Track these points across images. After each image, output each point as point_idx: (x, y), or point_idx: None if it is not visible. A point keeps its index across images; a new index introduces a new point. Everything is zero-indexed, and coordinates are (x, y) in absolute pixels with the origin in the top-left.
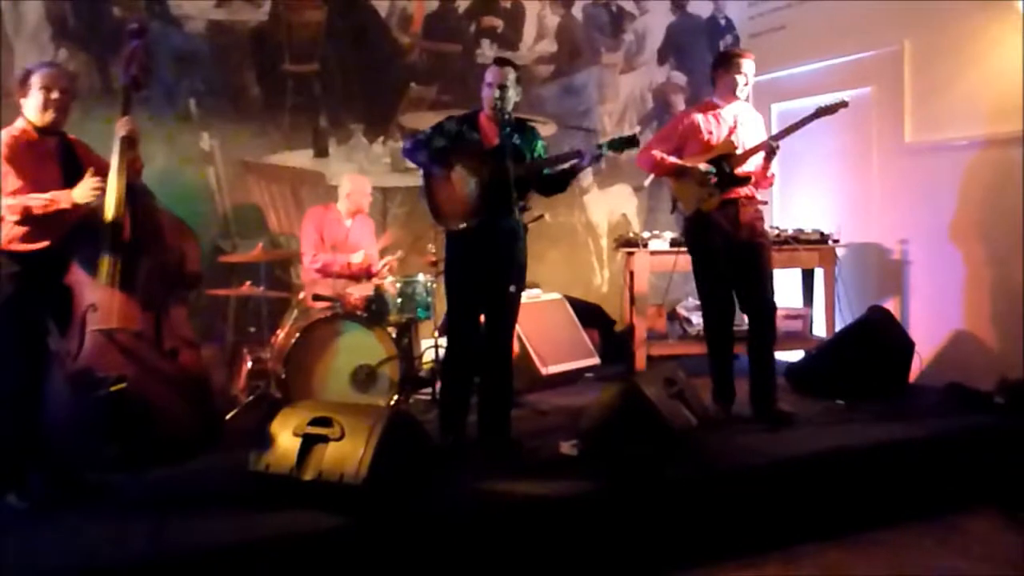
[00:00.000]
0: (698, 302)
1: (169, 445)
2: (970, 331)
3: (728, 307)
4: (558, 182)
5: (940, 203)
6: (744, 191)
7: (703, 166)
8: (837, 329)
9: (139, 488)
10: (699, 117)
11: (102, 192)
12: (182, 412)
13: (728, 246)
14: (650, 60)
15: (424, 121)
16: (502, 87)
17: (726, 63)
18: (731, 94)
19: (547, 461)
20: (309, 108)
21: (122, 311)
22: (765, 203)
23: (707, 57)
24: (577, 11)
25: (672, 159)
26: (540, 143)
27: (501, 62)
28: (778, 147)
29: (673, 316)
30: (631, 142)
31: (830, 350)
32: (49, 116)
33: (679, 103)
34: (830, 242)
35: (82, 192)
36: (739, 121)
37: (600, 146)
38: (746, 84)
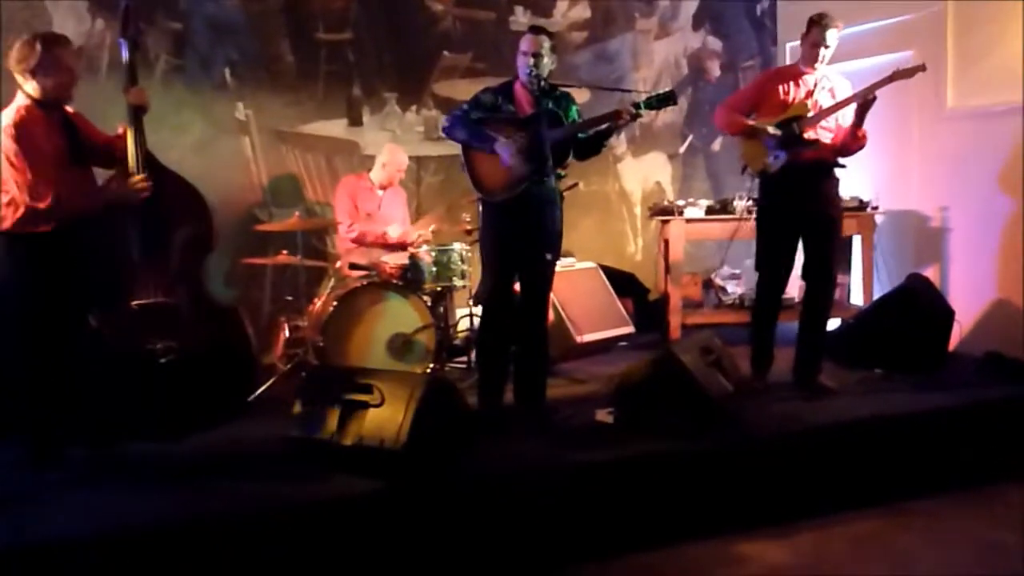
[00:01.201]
0: (733, 271)
1: (212, 409)
2: (1010, 299)
3: (783, 274)
4: (593, 144)
5: (981, 170)
6: (815, 154)
7: (770, 128)
8: (875, 297)
9: (182, 455)
10: (778, 79)
11: (145, 192)
12: (226, 377)
13: (794, 211)
14: (685, 26)
15: (457, 89)
16: (537, 55)
17: (808, 30)
18: (812, 60)
19: (583, 428)
20: (343, 77)
21: (159, 283)
22: (843, 167)
23: (743, 22)
24: None
25: (744, 119)
26: (575, 108)
27: (536, 30)
28: (873, 100)
29: (708, 285)
30: (668, 99)
31: (868, 318)
32: (67, 94)
33: (714, 69)
34: (868, 209)
35: (123, 190)
36: (820, 86)
37: (637, 105)
38: (821, 52)
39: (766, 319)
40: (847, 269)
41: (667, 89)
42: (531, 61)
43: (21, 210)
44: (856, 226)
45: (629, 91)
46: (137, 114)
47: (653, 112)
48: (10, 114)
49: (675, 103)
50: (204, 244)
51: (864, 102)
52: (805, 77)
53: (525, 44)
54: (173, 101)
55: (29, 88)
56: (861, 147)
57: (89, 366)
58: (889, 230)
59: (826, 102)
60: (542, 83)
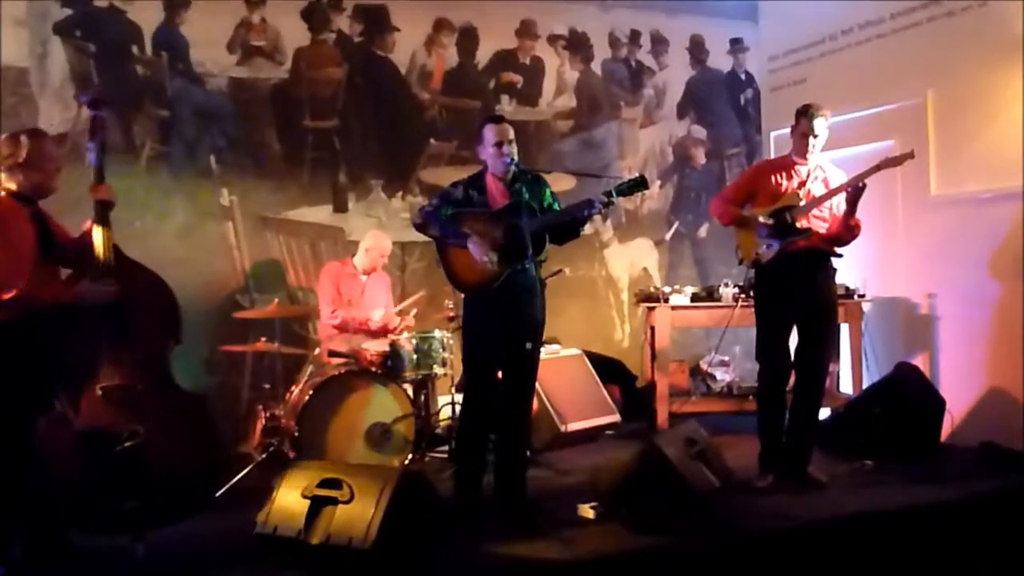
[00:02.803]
0: (722, 358)
1: (177, 498)
2: (1003, 388)
3: (783, 364)
4: (570, 229)
5: (968, 256)
6: (808, 243)
7: (762, 217)
8: (864, 386)
9: (147, 549)
10: (771, 168)
11: (111, 296)
12: (188, 464)
13: (786, 300)
14: (670, 114)
15: (443, 176)
16: (506, 143)
17: (796, 120)
18: (802, 149)
19: (565, 523)
20: (329, 163)
21: (125, 368)
22: (839, 256)
23: (727, 111)
24: (596, 66)
25: (737, 209)
26: (548, 191)
27: (499, 119)
28: (862, 189)
29: (696, 372)
30: (639, 184)
31: (857, 408)
32: (48, 191)
33: (699, 157)
34: (856, 297)
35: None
36: (813, 176)
37: (609, 193)
38: (811, 142)
39: (771, 411)
40: (836, 357)
41: (637, 175)
42: (507, 150)
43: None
44: (844, 314)
45: (601, 176)
46: (104, 210)
47: (630, 198)
48: None
49: (646, 188)
50: (170, 334)
51: (854, 191)
52: (798, 168)
53: (492, 134)
54: (158, 187)
55: (12, 184)
56: (854, 237)
57: (52, 451)
58: (877, 318)
59: (819, 192)
60: (512, 171)
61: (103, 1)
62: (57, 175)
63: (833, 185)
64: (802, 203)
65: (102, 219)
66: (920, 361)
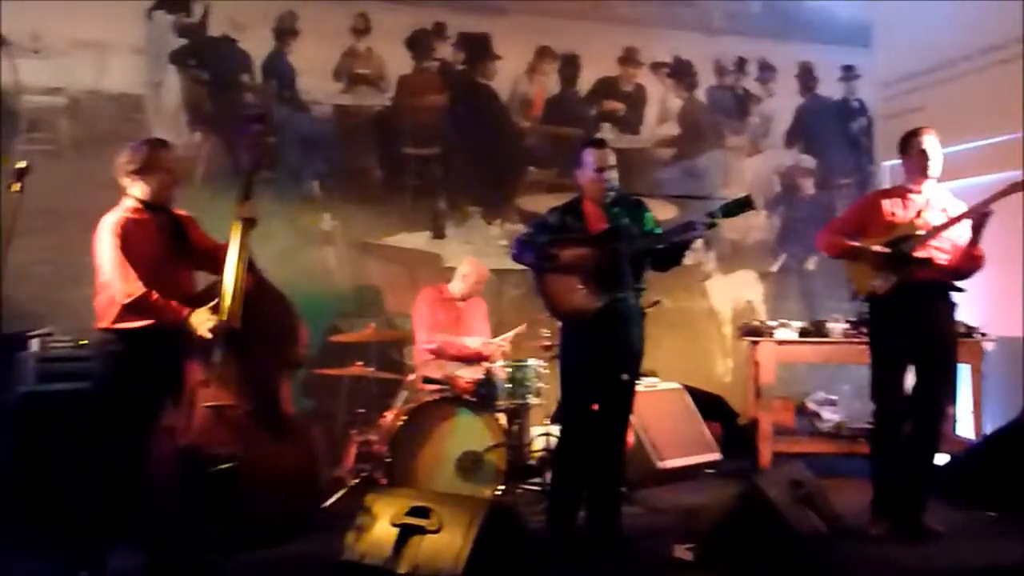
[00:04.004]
0: (830, 396)
1: (269, 526)
2: None
3: (899, 405)
4: (672, 256)
5: None
6: (927, 275)
7: (877, 247)
8: (985, 431)
9: (235, 571)
10: (884, 198)
11: (215, 331)
12: (287, 493)
13: (906, 336)
14: (777, 143)
15: (542, 204)
16: (607, 168)
17: (905, 146)
18: (920, 176)
19: (659, 564)
20: (429, 190)
21: (232, 388)
22: (961, 290)
23: (838, 140)
24: (701, 94)
25: (848, 241)
26: (649, 215)
27: (599, 143)
28: (988, 215)
29: (802, 410)
30: (745, 204)
31: (979, 454)
32: (167, 196)
33: (808, 187)
34: (976, 335)
35: (198, 321)
36: (930, 204)
37: (712, 213)
38: (928, 161)
39: (886, 456)
40: (954, 399)
41: (743, 195)
42: (608, 175)
43: (117, 307)
44: (964, 353)
45: (704, 198)
46: (246, 227)
47: (735, 227)
48: (114, 215)
49: (753, 207)
50: (287, 359)
51: (979, 217)
52: (913, 196)
53: (593, 158)
54: (262, 211)
55: (135, 191)
56: (978, 268)
57: (156, 464)
58: (999, 358)
59: (937, 221)
60: (611, 196)
61: (217, 31)
62: (173, 183)
63: (952, 214)
64: (920, 232)
65: (242, 235)
66: None
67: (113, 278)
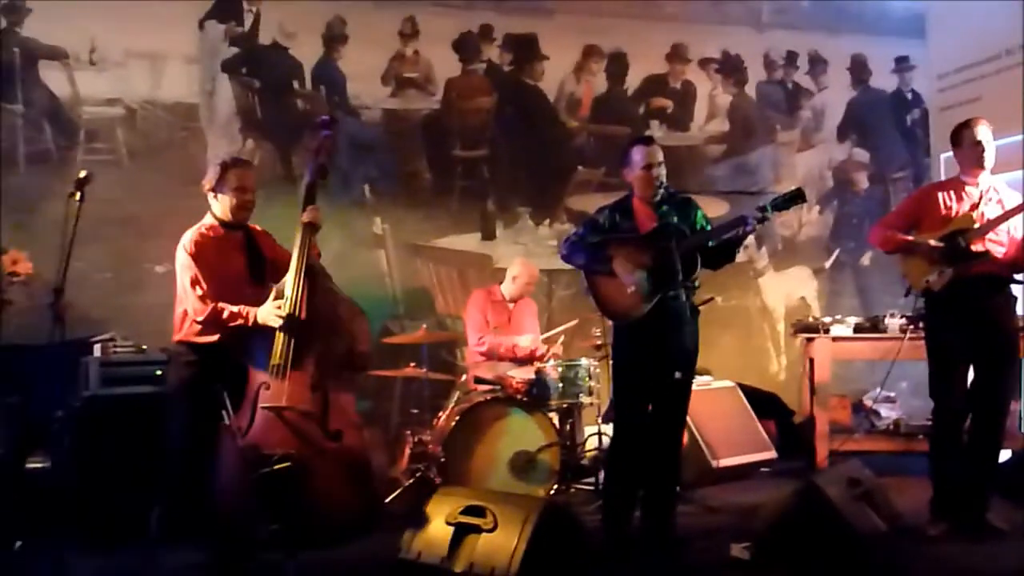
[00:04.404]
0: (888, 393)
1: (327, 527)
2: None
3: (960, 402)
4: (724, 252)
5: None
6: (985, 268)
7: (932, 241)
8: None
9: (291, 570)
10: (939, 191)
11: (279, 319)
12: (343, 494)
13: (965, 331)
14: (829, 137)
15: (591, 203)
16: (655, 166)
17: (957, 138)
18: (974, 167)
19: (716, 564)
20: (477, 192)
21: (292, 390)
22: (1020, 282)
23: (892, 133)
24: (751, 89)
25: (902, 235)
26: (700, 213)
27: (648, 140)
28: None
29: (859, 408)
30: (796, 198)
31: None
32: (241, 214)
33: (862, 181)
34: None
35: (265, 314)
36: (987, 197)
37: (763, 208)
38: (984, 151)
39: (946, 454)
40: (1017, 395)
41: (794, 188)
42: (656, 172)
43: (191, 322)
44: None
45: (755, 193)
46: (307, 231)
47: (787, 224)
48: (192, 231)
49: (804, 201)
50: (349, 362)
51: None
52: (968, 189)
53: (641, 156)
54: None
55: (214, 207)
56: None
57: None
58: None
59: (993, 213)
60: (661, 194)
61: (267, 39)
62: (248, 201)
63: (1009, 206)
64: (976, 225)
65: (304, 239)
66: None
67: (186, 294)
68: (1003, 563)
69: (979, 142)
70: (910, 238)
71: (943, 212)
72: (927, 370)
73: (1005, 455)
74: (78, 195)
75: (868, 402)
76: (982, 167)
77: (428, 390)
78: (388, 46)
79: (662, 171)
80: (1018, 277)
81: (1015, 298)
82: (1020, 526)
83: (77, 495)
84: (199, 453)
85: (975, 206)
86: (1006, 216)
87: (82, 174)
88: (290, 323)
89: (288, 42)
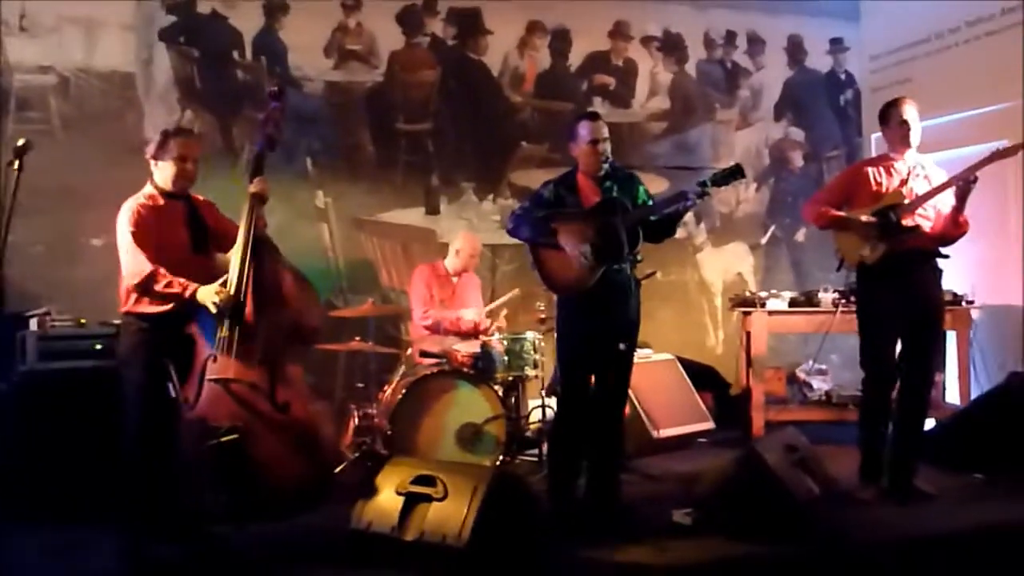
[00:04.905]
0: (819, 366)
1: (277, 498)
2: None
3: (889, 372)
4: (666, 226)
5: None
6: (915, 243)
7: (865, 217)
8: (973, 397)
9: (240, 541)
10: (869, 168)
11: (224, 302)
12: (291, 465)
13: (893, 303)
14: (766, 116)
15: (534, 178)
16: (601, 141)
17: (885, 117)
18: (901, 145)
19: (659, 529)
20: (422, 166)
21: (239, 362)
22: (946, 256)
23: (826, 112)
24: (691, 68)
25: (835, 211)
26: (642, 188)
27: (593, 116)
28: (974, 182)
29: (793, 380)
30: (734, 173)
31: (966, 419)
32: (181, 184)
33: (797, 159)
34: (964, 303)
35: (203, 295)
36: (914, 173)
37: (703, 183)
38: (908, 129)
39: (875, 422)
40: (942, 366)
41: (733, 164)
42: (602, 147)
43: (134, 292)
44: (951, 321)
45: (695, 168)
46: (254, 201)
47: (725, 201)
48: (132, 201)
49: (743, 176)
50: (297, 335)
51: (964, 184)
52: (896, 165)
53: (587, 131)
54: None
55: (155, 177)
56: (963, 234)
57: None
58: (986, 326)
59: (922, 189)
60: (605, 169)
61: (206, 7)
62: (189, 171)
63: (936, 182)
64: (906, 201)
65: (251, 211)
66: None
67: (124, 261)
68: (931, 525)
69: (905, 121)
70: (843, 214)
71: (873, 188)
72: (858, 343)
73: (931, 424)
74: (16, 164)
75: (801, 374)
76: (908, 145)
77: (373, 364)
78: (331, 17)
79: (607, 147)
80: (944, 251)
81: (941, 271)
82: (946, 491)
83: (15, 472)
84: (155, 421)
85: (904, 182)
86: (935, 191)
87: (20, 142)
88: (229, 308)
89: (228, 11)
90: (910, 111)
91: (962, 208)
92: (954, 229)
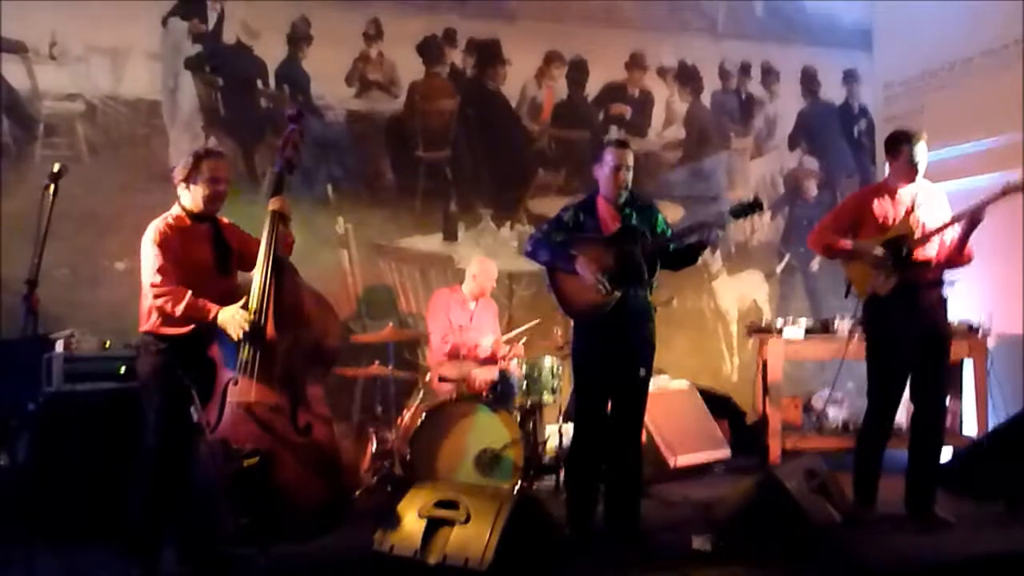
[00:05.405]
0: (836, 394)
1: (298, 520)
2: None
3: (895, 400)
4: (686, 256)
5: None
6: (925, 274)
7: (878, 249)
8: (990, 426)
9: (264, 564)
10: (873, 198)
11: (245, 329)
12: (313, 487)
13: (904, 333)
14: (781, 145)
15: (551, 206)
16: (627, 168)
17: (895, 150)
18: (905, 177)
19: (679, 555)
20: (440, 193)
21: (260, 385)
22: (951, 283)
23: (840, 142)
24: (706, 98)
25: (844, 241)
26: (660, 217)
27: (622, 143)
28: (981, 219)
29: (808, 408)
30: (754, 206)
31: (985, 448)
32: (214, 205)
33: (811, 188)
34: (980, 333)
35: (225, 319)
36: (917, 202)
37: (723, 214)
38: (919, 168)
39: (874, 448)
40: (958, 396)
41: (753, 196)
42: (624, 175)
43: (157, 313)
44: (967, 350)
45: (712, 199)
46: (274, 219)
47: (740, 228)
48: (158, 222)
49: (762, 210)
50: (318, 357)
51: (973, 220)
52: (900, 193)
53: (612, 156)
54: None
55: (183, 199)
56: (967, 263)
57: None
58: (1004, 355)
59: (927, 217)
60: (626, 197)
61: (231, 38)
62: (219, 193)
63: (939, 209)
64: (917, 233)
65: (272, 228)
66: None
67: (148, 280)
68: (950, 552)
69: (917, 161)
70: (852, 245)
71: (879, 218)
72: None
73: (949, 453)
74: (52, 188)
75: (817, 403)
76: (914, 179)
77: (392, 389)
78: (352, 47)
79: (629, 176)
80: (948, 278)
81: (946, 299)
82: (964, 519)
83: (39, 493)
84: (174, 442)
85: (909, 211)
86: (945, 226)
87: (56, 167)
88: (252, 334)
89: (252, 41)
90: (921, 150)
91: (967, 241)
92: (959, 259)
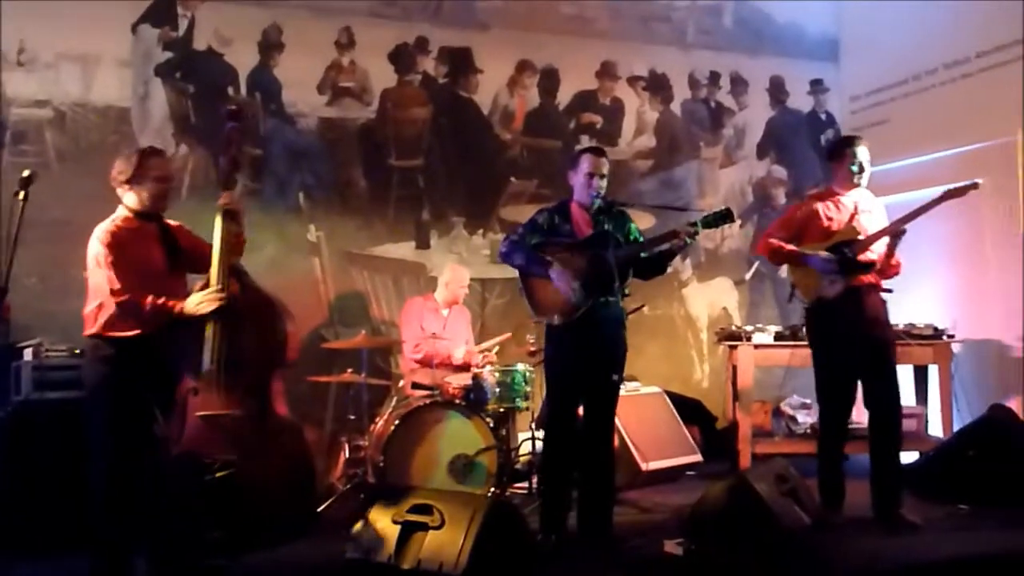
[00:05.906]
0: (804, 400)
1: (268, 528)
2: None
3: (847, 403)
4: (656, 264)
5: None
6: (868, 279)
7: (823, 253)
8: (955, 429)
9: (241, 574)
10: (818, 204)
11: (215, 303)
12: (285, 495)
13: (851, 337)
14: (750, 154)
15: (523, 214)
16: (600, 176)
17: (839, 152)
18: (849, 182)
19: (652, 560)
20: (413, 201)
21: (226, 394)
22: (890, 291)
23: (808, 151)
24: (676, 107)
25: (791, 247)
26: (632, 226)
27: (598, 151)
28: (904, 231)
29: (778, 413)
30: (725, 217)
31: (950, 451)
32: (162, 203)
33: (780, 197)
34: (944, 337)
35: (195, 303)
36: (860, 208)
37: (694, 224)
38: (861, 171)
39: (832, 452)
40: (924, 399)
41: (724, 207)
42: (597, 183)
43: (107, 315)
44: (932, 355)
45: (683, 210)
46: (224, 216)
47: (710, 236)
48: (107, 224)
49: (732, 220)
50: (278, 361)
51: (895, 234)
52: (843, 200)
53: (588, 163)
54: (249, 222)
55: (128, 200)
56: (896, 274)
57: (150, 475)
58: (967, 359)
59: (868, 223)
60: (600, 203)
61: (202, 44)
62: (166, 192)
63: (879, 216)
64: (861, 237)
65: (224, 227)
66: (1014, 405)
67: (103, 283)
68: (918, 554)
69: (862, 165)
70: (799, 250)
71: (824, 224)
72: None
73: (915, 456)
74: (22, 194)
75: (786, 408)
76: (858, 185)
77: (365, 396)
78: (324, 55)
79: (602, 183)
80: (886, 285)
81: (886, 302)
82: (932, 521)
83: (8, 502)
84: (123, 455)
85: (853, 216)
86: (883, 233)
87: (26, 173)
88: (225, 309)
89: (223, 48)
90: (864, 154)
91: (893, 253)
92: (889, 269)
